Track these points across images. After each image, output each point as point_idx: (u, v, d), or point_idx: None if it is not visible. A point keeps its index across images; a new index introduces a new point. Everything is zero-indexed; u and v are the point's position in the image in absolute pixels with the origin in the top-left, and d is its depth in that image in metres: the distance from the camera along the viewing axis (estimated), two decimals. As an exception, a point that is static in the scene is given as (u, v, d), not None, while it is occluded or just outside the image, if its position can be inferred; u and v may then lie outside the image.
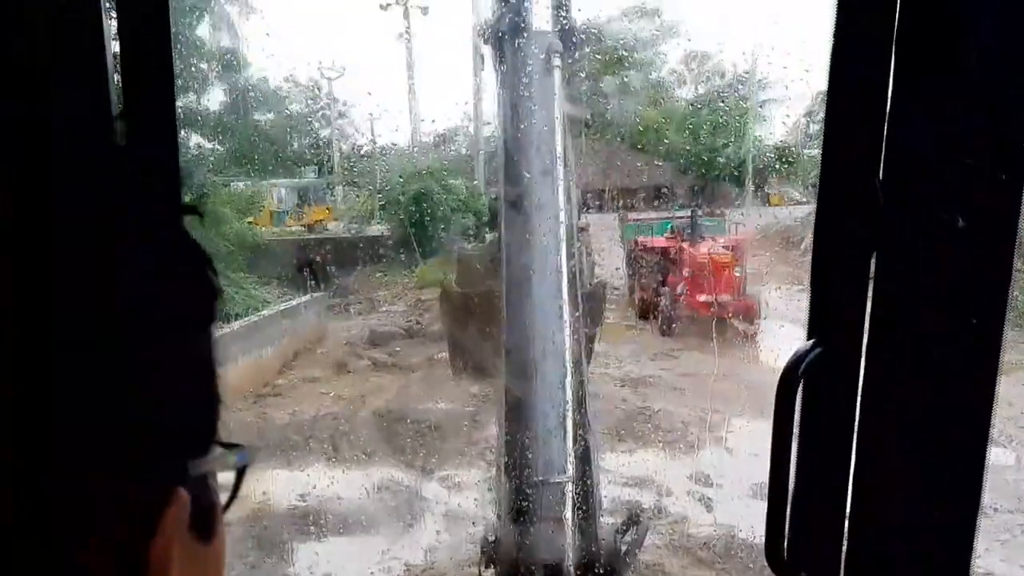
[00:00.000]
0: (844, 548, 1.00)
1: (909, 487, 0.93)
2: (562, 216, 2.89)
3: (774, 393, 0.94)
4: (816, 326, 0.92)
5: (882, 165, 0.87)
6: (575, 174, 3.29)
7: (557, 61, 3.05)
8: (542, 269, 2.83)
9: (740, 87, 20.42)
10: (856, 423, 0.94)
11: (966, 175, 0.85)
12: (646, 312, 12.91)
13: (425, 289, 14.47)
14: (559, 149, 2.93)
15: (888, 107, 0.86)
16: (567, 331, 2.75)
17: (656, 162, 19.42)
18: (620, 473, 7.59)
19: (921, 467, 0.93)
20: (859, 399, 0.93)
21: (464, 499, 7.26)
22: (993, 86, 0.84)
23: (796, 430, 0.98)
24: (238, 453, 0.53)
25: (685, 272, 12.21)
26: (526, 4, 3.17)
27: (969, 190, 0.85)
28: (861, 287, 0.89)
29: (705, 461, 7.95)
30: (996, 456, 6.73)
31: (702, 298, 11.73)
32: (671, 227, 13.61)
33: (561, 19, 3.19)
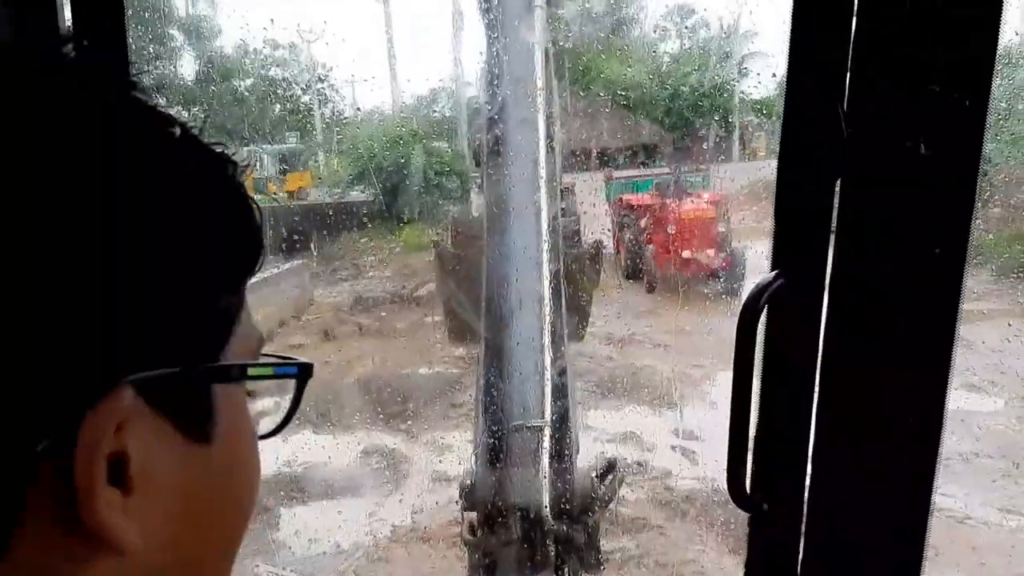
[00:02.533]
0: (807, 482, 1.00)
1: (871, 419, 0.93)
2: (542, 162, 2.84)
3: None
4: (779, 255, 0.91)
5: (847, 91, 0.85)
6: (558, 121, 3.25)
7: (539, 1, 3.00)
8: (520, 216, 2.79)
9: (724, 41, 20.25)
10: (820, 354, 0.94)
11: (930, 101, 0.83)
12: (631, 270, 12.93)
13: (411, 253, 14.42)
14: (540, 94, 2.90)
15: (852, 32, 0.84)
16: (546, 278, 2.73)
17: (639, 119, 19.29)
18: (605, 430, 7.67)
19: (883, 398, 0.92)
20: (823, 331, 0.93)
21: (450, 460, 7.32)
22: (956, 10, 0.82)
23: (760, 362, 0.97)
24: (278, 367, 0.51)
25: (669, 229, 12.19)
26: None
27: (932, 116, 0.84)
28: (824, 215, 0.88)
29: (689, 416, 8.02)
30: (977, 403, 6.82)
31: (686, 254, 11.74)
32: (654, 184, 13.57)
33: None
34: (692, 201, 12.47)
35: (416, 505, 6.70)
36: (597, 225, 13.50)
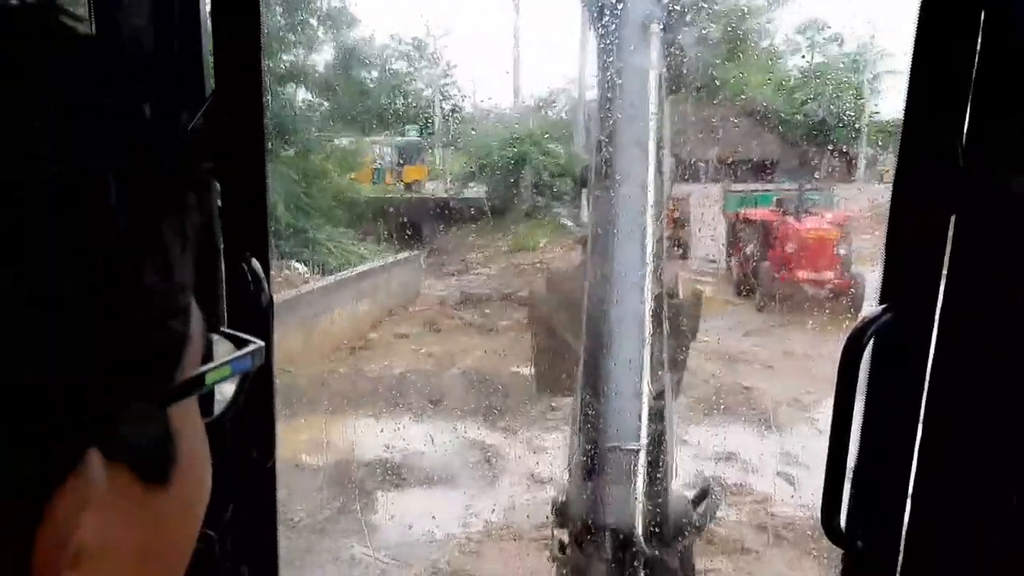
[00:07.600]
0: (905, 522, 0.97)
1: (977, 460, 0.90)
2: (650, 187, 2.85)
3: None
4: (889, 290, 0.89)
5: (965, 125, 0.83)
6: (669, 144, 3.26)
7: (655, 28, 3.01)
8: (626, 238, 2.81)
9: (858, 57, 19.41)
10: (925, 393, 0.91)
11: None
12: (744, 286, 12.58)
13: (518, 253, 14.53)
14: (652, 120, 2.91)
15: (975, 68, 0.82)
16: (647, 301, 2.74)
17: (763, 132, 18.76)
18: (707, 448, 7.50)
19: (991, 438, 0.89)
20: (929, 368, 0.90)
21: (545, 461, 7.34)
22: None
23: (863, 397, 0.95)
24: (234, 362, 0.43)
25: (787, 247, 11.80)
26: None
27: None
28: (937, 252, 0.85)
29: (794, 441, 7.75)
30: None
31: (803, 274, 11.34)
32: (775, 199, 13.18)
33: None
34: (813, 220, 12.03)
35: (509, 503, 6.75)
36: (711, 238, 13.22)
